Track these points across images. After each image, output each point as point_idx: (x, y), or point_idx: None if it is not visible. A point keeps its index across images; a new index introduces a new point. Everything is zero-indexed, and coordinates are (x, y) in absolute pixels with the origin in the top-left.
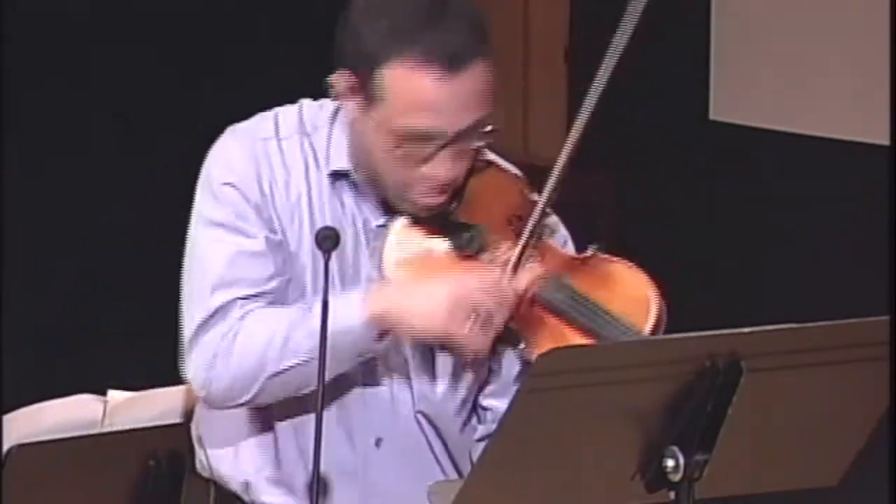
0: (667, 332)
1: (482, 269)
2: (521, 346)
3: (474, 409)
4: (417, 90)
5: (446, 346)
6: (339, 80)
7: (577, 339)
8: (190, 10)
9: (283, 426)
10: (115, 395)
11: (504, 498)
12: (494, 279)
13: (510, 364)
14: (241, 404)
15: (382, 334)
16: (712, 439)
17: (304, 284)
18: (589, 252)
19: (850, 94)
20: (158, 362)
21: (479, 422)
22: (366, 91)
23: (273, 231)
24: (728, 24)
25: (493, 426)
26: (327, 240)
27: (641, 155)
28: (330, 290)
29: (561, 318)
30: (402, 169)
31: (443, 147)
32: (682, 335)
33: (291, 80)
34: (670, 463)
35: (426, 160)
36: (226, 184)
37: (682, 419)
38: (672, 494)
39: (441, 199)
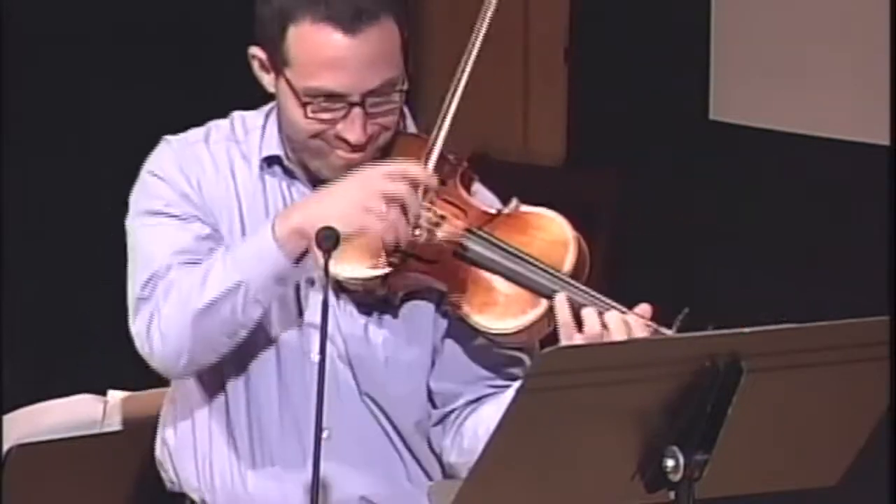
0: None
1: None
2: (448, 301)
3: (428, 390)
4: (321, 48)
5: (366, 234)
6: (254, 55)
7: (502, 286)
8: (193, 11)
9: (240, 429)
10: (115, 395)
11: (504, 498)
12: (403, 167)
13: (451, 344)
14: (190, 365)
15: (300, 256)
16: (712, 439)
17: None
18: (510, 206)
19: (850, 94)
20: None
21: (434, 406)
22: (276, 58)
23: (202, 221)
24: (728, 24)
25: (445, 410)
26: (327, 240)
27: (641, 155)
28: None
29: (485, 268)
30: (316, 132)
31: (352, 108)
32: (682, 335)
33: None
34: (670, 463)
35: (337, 121)
36: (154, 175)
37: (682, 419)
38: (672, 494)
39: (359, 156)
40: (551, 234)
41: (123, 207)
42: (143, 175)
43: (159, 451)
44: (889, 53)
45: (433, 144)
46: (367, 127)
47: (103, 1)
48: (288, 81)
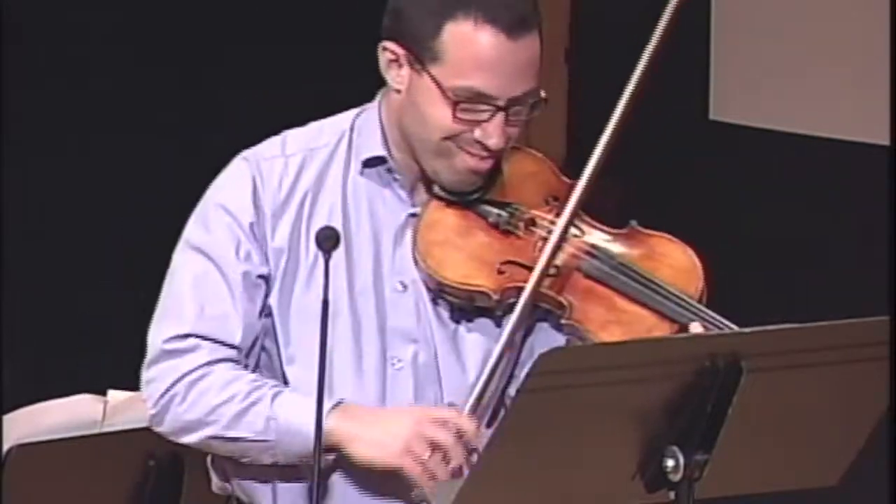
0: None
1: (523, 244)
2: (567, 316)
3: (501, 402)
4: (480, 48)
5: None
6: (388, 49)
7: (627, 306)
8: (195, 11)
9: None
10: (115, 395)
11: (504, 498)
12: (454, 417)
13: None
14: (185, 445)
15: (330, 449)
16: (712, 439)
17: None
18: (628, 228)
19: (850, 94)
20: None
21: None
22: (421, 54)
23: (264, 252)
24: (728, 24)
25: None
26: (327, 240)
27: (641, 155)
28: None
29: (609, 288)
30: (455, 132)
31: (496, 112)
32: (682, 335)
33: (293, 84)
34: (670, 463)
35: (478, 124)
36: (220, 207)
37: (682, 419)
38: (672, 494)
39: (486, 164)
40: (678, 260)
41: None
42: (209, 201)
43: (212, 460)
44: (889, 53)
45: (573, 193)
46: (505, 134)
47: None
48: (434, 78)
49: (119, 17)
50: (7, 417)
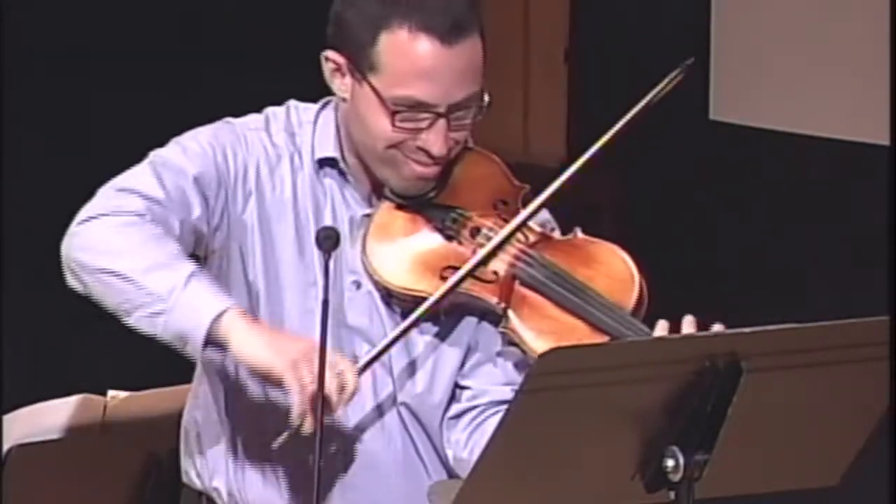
0: (668, 331)
1: (464, 251)
2: (503, 324)
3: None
4: (416, 57)
5: (271, 383)
6: (330, 59)
7: (560, 316)
8: (196, 10)
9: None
10: (115, 395)
11: (504, 498)
12: (347, 367)
13: (487, 342)
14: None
15: (212, 343)
16: (712, 439)
17: (280, 278)
18: (572, 234)
19: (850, 94)
20: (158, 362)
21: (455, 400)
22: (361, 63)
23: (217, 199)
24: (728, 24)
25: (468, 404)
26: (327, 240)
27: (641, 155)
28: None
29: (544, 296)
30: (397, 141)
31: (437, 119)
32: (682, 335)
33: (296, 83)
34: (670, 463)
35: (420, 132)
36: (196, 139)
37: (682, 419)
38: (672, 494)
39: (433, 170)
40: (615, 269)
41: None
42: (193, 133)
43: (184, 448)
44: (889, 53)
45: (518, 216)
46: (450, 139)
47: (103, 4)
48: (373, 88)
49: (119, 18)
50: (7, 417)
